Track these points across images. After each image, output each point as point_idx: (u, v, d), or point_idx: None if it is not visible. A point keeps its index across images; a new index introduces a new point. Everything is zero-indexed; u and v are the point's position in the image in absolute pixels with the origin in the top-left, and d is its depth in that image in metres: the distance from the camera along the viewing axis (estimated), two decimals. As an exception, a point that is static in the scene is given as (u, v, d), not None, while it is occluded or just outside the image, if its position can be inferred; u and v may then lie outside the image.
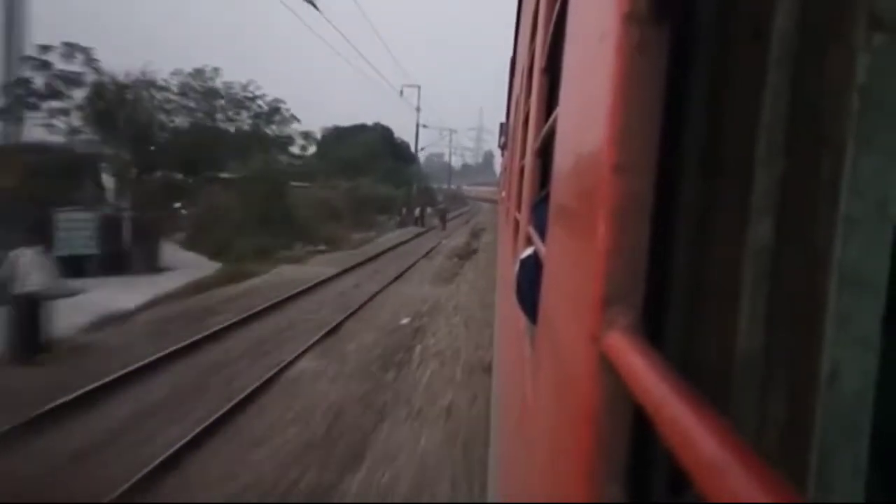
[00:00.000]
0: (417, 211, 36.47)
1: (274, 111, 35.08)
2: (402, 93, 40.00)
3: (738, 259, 0.43)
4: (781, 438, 0.42)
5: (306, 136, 37.62)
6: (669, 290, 0.46)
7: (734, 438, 0.24)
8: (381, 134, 51.79)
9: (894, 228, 0.39)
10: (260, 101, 34.31)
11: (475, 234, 29.63)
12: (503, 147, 12.66)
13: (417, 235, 29.96)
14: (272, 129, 34.85)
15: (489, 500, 2.94)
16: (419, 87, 42.84)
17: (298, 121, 35.98)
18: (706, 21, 0.45)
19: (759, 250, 0.42)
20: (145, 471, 5.02)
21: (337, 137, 48.90)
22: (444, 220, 35.18)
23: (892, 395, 0.43)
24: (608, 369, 0.40)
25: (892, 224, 0.39)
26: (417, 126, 41.60)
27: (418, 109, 41.76)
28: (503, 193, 9.13)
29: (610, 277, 0.41)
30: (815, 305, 0.40)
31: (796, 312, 0.41)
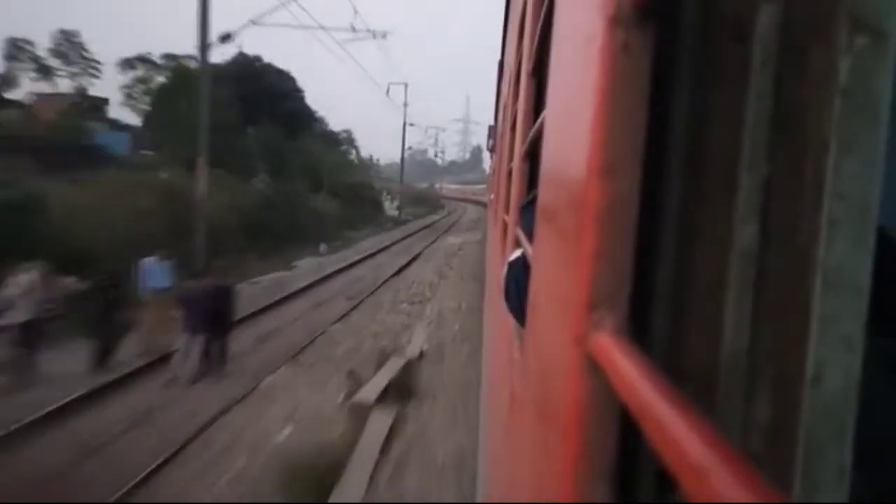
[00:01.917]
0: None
1: None
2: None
3: (723, 261, 0.43)
4: (767, 438, 0.42)
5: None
6: (655, 291, 0.46)
7: (718, 440, 0.24)
8: (251, 79, 28.19)
9: (877, 231, 0.39)
10: None
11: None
12: (492, 150, 12.67)
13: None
14: None
15: (478, 500, 2.93)
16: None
17: None
18: (689, 24, 0.45)
19: (744, 252, 0.42)
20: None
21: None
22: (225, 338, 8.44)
23: (875, 395, 0.43)
24: (594, 371, 0.40)
25: (874, 226, 0.39)
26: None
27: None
28: (492, 196, 9.16)
29: (596, 279, 0.41)
30: (799, 307, 0.40)
31: (781, 314, 0.41)
